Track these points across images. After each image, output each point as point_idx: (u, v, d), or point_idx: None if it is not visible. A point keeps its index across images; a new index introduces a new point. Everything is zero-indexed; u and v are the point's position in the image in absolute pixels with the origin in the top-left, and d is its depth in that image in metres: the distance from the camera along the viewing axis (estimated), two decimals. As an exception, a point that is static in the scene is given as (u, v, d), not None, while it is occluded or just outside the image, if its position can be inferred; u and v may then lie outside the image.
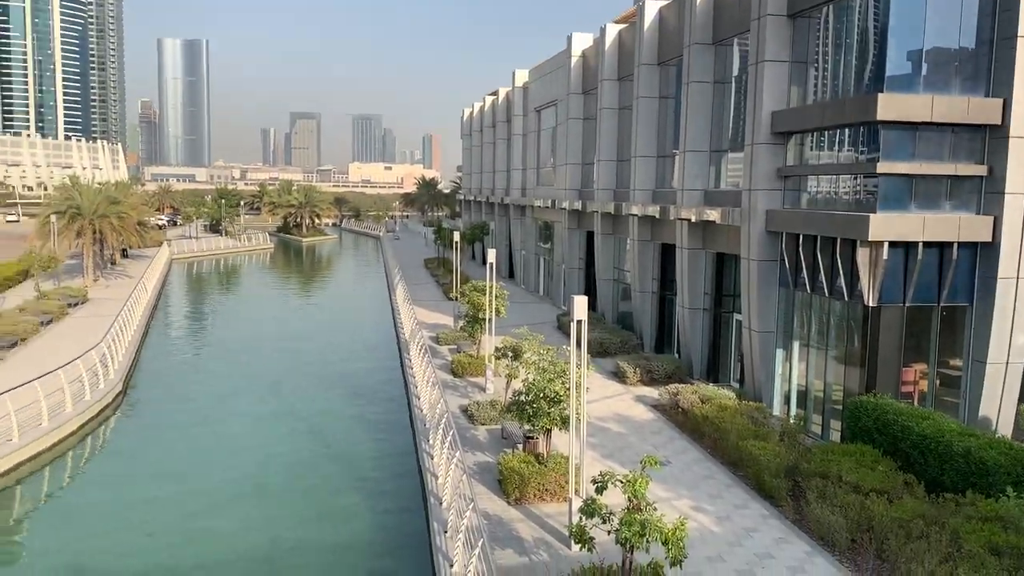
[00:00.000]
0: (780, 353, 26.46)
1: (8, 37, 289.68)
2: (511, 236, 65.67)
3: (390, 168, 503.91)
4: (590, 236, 45.96)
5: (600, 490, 13.30)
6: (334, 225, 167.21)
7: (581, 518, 13.29)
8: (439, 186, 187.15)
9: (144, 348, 41.47)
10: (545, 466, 19.10)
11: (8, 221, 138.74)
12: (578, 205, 45.40)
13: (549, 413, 19.02)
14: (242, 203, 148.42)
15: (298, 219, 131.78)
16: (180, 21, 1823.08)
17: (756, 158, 25.93)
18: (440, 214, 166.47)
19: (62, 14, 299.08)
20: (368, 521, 21.18)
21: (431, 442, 22.55)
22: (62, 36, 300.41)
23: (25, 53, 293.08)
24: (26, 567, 18.58)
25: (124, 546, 19.39)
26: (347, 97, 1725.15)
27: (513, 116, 63.08)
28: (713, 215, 28.77)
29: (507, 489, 18.96)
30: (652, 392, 29.16)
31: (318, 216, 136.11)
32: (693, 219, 30.24)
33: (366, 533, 20.53)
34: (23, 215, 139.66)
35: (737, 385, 29.36)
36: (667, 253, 35.66)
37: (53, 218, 57.83)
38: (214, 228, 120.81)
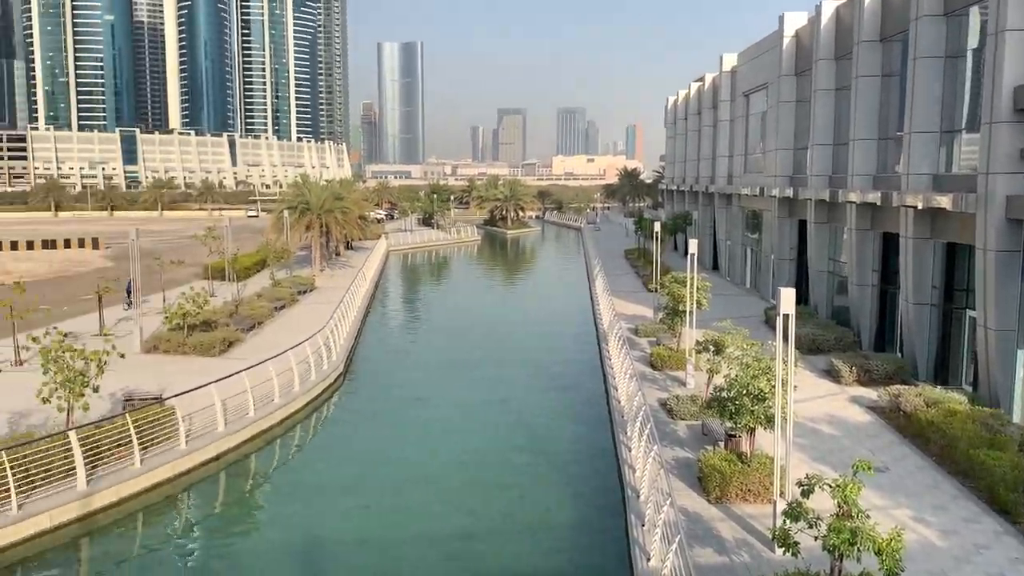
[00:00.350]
0: (1021, 354, 23.74)
1: (250, 49, 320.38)
2: (715, 226, 63.76)
3: (592, 160, 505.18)
4: (802, 225, 43.65)
5: (806, 493, 12.56)
6: (537, 218, 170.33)
7: (785, 521, 12.61)
8: (641, 176, 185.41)
9: (363, 333, 44.32)
10: (748, 466, 18.35)
11: (249, 216, 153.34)
12: (789, 192, 43.21)
13: (753, 411, 18.23)
14: (452, 198, 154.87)
15: (503, 212, 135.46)
16: (397, 24, 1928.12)
17: (995, 138, 23.38)
18: (642, 205, 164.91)
19: (295, 25, 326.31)
20: (566, 507, 21.38)
21: (629, 434, 22.38)
22: (295, 45, 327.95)
23: (264, 63, 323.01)
24: (260, 531, 20.46)
25: (343, 517, 20.83)
26: (552, 92, 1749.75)
27: (720, 102, 61.13)
28: (943, 201, 26.29)
29: (707, 487, 18.41)
30: (869, 393, 27.20)
31: (522, 209, 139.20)
32: (920, 206, 27.79)
33: (564, 518, 20.72)
34: (261, 211, 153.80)
35: (969, 388, 26.70)
36: (889, 243, 33.09)
37: (286, 213, 63.29)
38: (427, 222, 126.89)
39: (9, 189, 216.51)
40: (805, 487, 12.61)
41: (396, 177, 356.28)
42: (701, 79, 69.49)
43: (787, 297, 14.88)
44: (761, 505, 17.74)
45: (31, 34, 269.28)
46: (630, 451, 21.59)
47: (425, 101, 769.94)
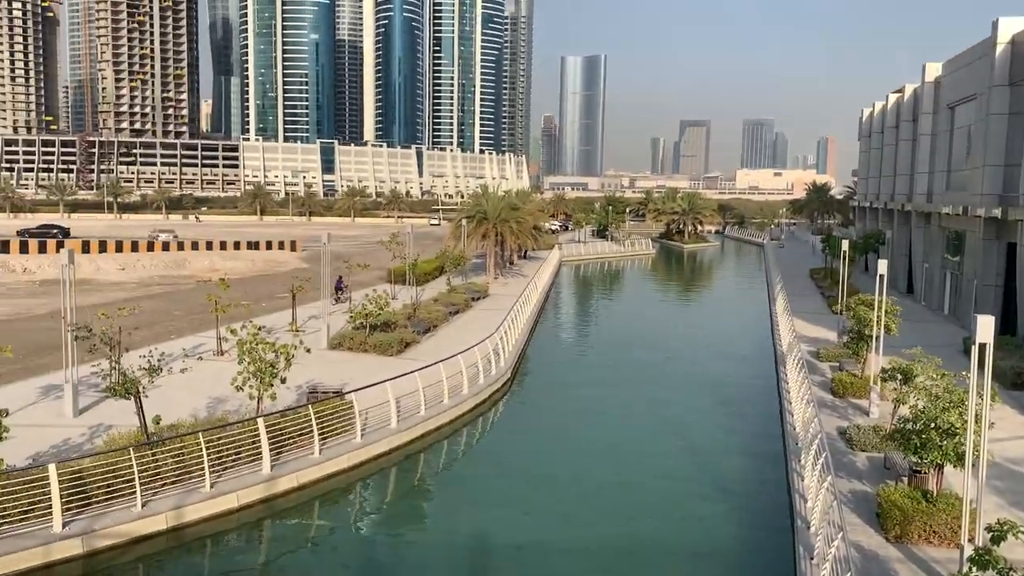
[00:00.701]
0: None
1: (440, 65, 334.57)
2: (911, 247, 59.45)
3: (779, 174, 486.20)
4: (1011, 248, 39.83)
5: (998, 540, 11.39)
6: (717, 232, 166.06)
7: (972, 569, 11.50)
8: (831, 192, 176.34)
9: (532, 341, 44.89)
10: (934, 505, 16.88)
11: (431, 224, 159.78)
12: (997, 212, 39.54)
13: (941, 446, 16.76)
14: (628, 210, 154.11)
15: (680, 226, 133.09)
16: (582, 39, 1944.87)
17: None
18: (831, 222, 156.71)
19: (483, 42, 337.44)
20: (730, 531, 20.59)
21: (802, 462, 21.26)
22: (482, 61, 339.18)
23: (452, 78, 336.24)
24: (424, 528, 21.16)
25: (504, 520, 21.13)
26: (738, 103, 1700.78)
27: (920, 114, 57.05)
28: None
29: (885, 524, 17.11)
30: (1084, 436, 24.32)
31: (700, 223, 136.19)
32: None
33: (727, 543, 19.97)
34: (443, 219, 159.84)
35: None
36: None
37: (464, 222, 65.39)
38: (601, 233, 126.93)
39: (222, 194, 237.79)
40: (996, 533, 11.45)
41: (573, 189, 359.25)
42: (900, 90, 65.15)
43: (985, 324, 13.60)
44: (946, 549, 16.27)
45: (247, 53, 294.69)
46: (802, 479, 20.49)
47: (606, 113, 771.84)
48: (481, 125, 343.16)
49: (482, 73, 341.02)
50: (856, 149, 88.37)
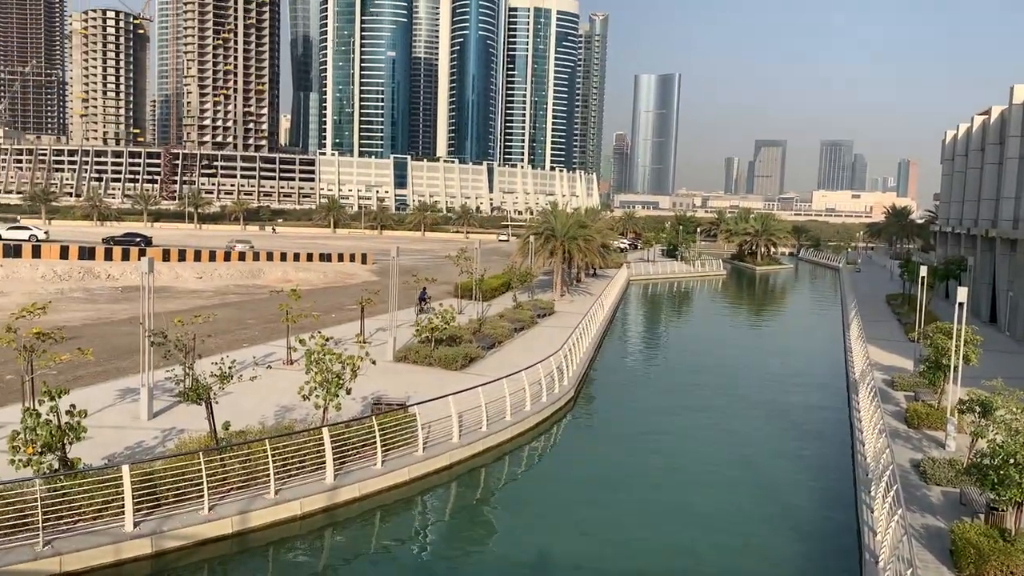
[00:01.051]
0: None
1: (513, 83, 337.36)
2: (995, 274, 57.18)
3: (858, 196, 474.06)
4: (1103, 278, 37.93)
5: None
6: (790, 254, 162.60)
7: (1051, 617, 10.92)
8: (912, 216, 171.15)
9: (597, 360, 44.62)
10: (1012, 544, 16.12)
11: (500, 240, 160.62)
12: (1088, 240, 37.74)
13: (1020, 483, 16.01)
14: (699, 230, 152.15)
15: (753, 247, 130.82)
16: (656, 57, 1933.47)
17: None
18: (910, 246, 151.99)
19: (556, 60, 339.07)
20: (794, 562, 20.02)
21: (872, 494, 20.58)
22: (555, 79, 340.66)
23: (525, 96, 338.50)
24: (483, 544, 21.18)
25: (562, 541, 20.97)
26: (816, 123, 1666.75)
27: (1008, 137, 54.99)
28: None
29: (959, 563, 16.40)
30: None
31: (774, 244, 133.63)
32: None
33: (791, 574, 19.44)
34: (512, 235, 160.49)
35: None
36: None
37: (531, 238, 65.53)
38: (670, 253, 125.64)
39: (298, 207, 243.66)
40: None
41: (643, 207, 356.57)
42: (986, 112, 62.95)
43: (1070, 358, 12.94)
44: (1026, 594, 15.49)
45: (326, 69, 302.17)
46: (872, 512, 19.82)
47: (679, 132, 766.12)
48: (552, 142, 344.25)
49: (555, 91, 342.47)
50: (939, 172, 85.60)
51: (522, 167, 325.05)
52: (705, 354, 51.35)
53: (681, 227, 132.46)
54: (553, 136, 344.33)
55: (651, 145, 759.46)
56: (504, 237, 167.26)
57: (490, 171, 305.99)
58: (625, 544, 20.90)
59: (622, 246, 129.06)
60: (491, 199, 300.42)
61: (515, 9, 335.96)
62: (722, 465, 27.66)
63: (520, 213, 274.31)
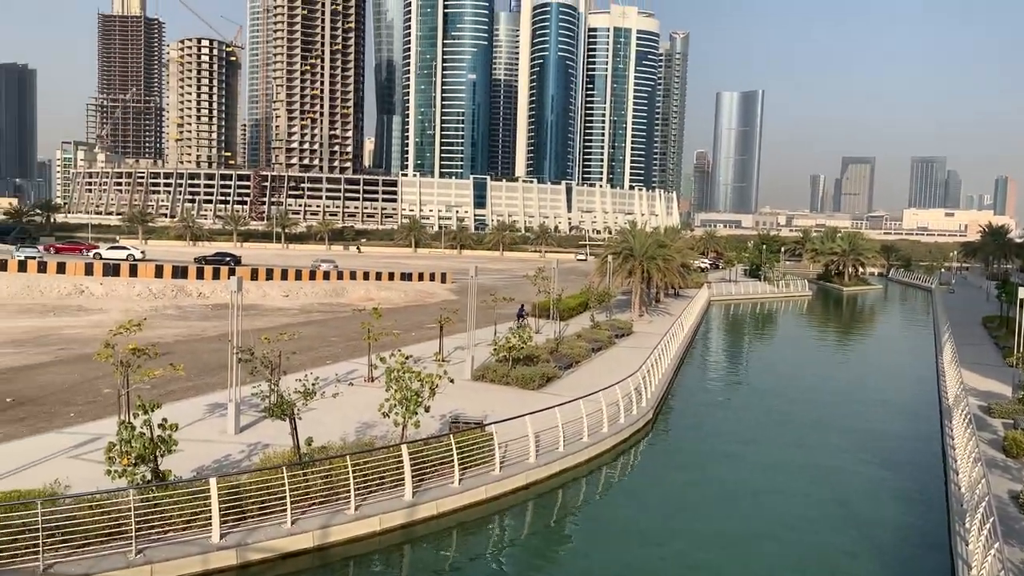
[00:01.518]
0: None
1: (592, 103, 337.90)
2: (1103, 296, 53.99)
3: (951, 214, 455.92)
4: None
5: None
6: (880, 275, 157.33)
7: None
8: (1010, 235, 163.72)
9: (676, 382, 43.95)
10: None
11: (577, 259, 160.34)
12: None
13: None
14: (783, 249, 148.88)
15: (840, 267, 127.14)
16: (738, 74, 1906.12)
17: None
18: (1008, 266, 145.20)
19: (636, 79, 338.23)
20: (883, 599, 19.25)
21: (967, 526, 19.64)
22: (634, 98, 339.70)
23: (604, 115, 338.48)
24: (560, 566, 21.07)
25: (639, 565, 20.67)
26: (906, 139, 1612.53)
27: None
28: None
29: (1064, 603, 15.49)
30: None
31: (862, 264, 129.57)
32: None
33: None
34: (590, 255, 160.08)
35: None
36: None
37: (609, 258, 65.23)
38: (753, 273, 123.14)
39: (380, 227, 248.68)
40: None
41: (725, 226, 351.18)
42: (1091, 124, 59.83)
43: None
44: None
45: (408, 93, 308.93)
46: (967, 545, 18.91)
47: (762, 149, 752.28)
48: (632, 161, 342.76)
49: (634, 110, 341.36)
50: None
51: (601, 186, 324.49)
52: (789, 377, 50.03)
53: (764, 246, 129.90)
54: (632, 155, 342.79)
55: (733, 163, 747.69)
56: (582, 256, 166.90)
57: (568, 190, 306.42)
58: (705, 571, 20.47)
59: (703, 266, 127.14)
60: (569, 218, 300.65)
61: (595, 29, 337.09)
62: (806, 494, 26.84)
63: (598, 232, 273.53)
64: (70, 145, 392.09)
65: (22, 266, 71.04)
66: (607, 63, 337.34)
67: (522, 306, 53.19)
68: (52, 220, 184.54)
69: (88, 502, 18.08)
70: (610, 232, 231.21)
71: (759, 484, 27.58)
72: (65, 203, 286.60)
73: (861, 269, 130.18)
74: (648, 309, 67.75)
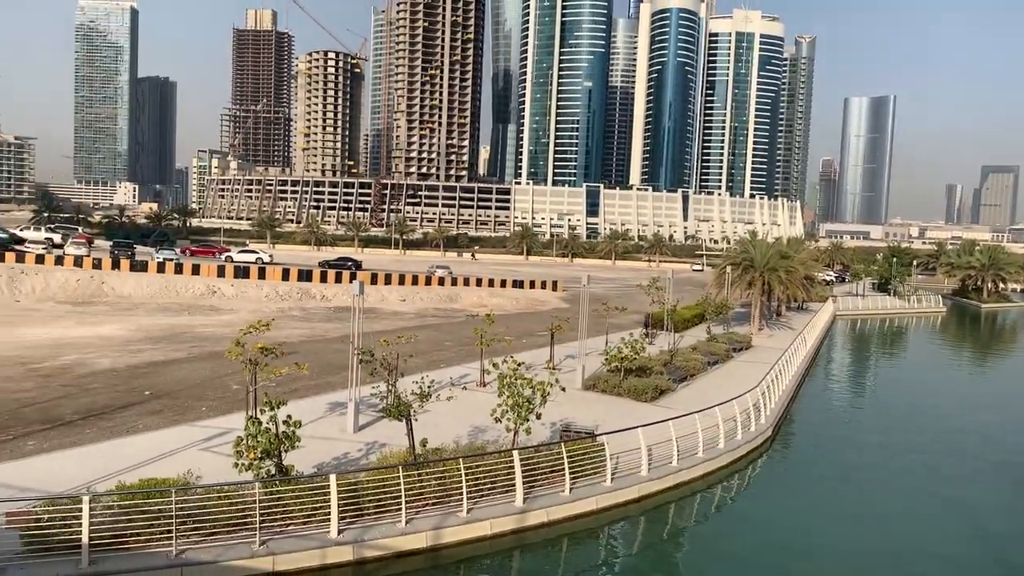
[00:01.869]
0: None
1: (712, 109, 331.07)
2: None
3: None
4: None
5: None
6: (1023, 291, 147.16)
7: None
8: None
9: (797, 399, 42.35)
10: None
11: (694, 270, 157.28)
12: None
13: None
14: (915, 262, 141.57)
15: (978, 282, 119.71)
16: (868, 79, 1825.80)
17: None
18: None
19: (758, 84, 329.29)
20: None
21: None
22: (757, 103, 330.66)
23: (724, 121, 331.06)
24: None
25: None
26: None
27: None
28: None
29: None
30: None
31: (1003, 280, 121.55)
32: None
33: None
34: (706, 265, 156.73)
35: None
36: None
37: (728, 269, 63.61)
38: (882, 287, 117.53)
39: (493, 234, 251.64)
40: None
41: (852, 237, 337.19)
42: None
43: None
44: None
45: (523, 101, 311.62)
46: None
47: (893, 157, 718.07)
48: (752, 169, 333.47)
49: (756, 116, 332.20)
50: None
51: (719, 195, 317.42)
52: (920, 399, 47.40)
53: (895, 259, 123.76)
54: (754, 162, 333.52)
55: (862, 171, 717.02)
56: (698, 267, 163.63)
57: (685, 199, 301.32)
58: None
59: (828, 279, 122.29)
60: (685, 227, 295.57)
61: (716, 34, 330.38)
62: (937, 522, 25.31)
63: (715, 242, 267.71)
64: (205, 153, 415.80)
65: (161, 267, 75.59)
66: (728, 68, 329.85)
67: (648, 315, 54.72)
68: (188, 224, 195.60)
69: (217, 493, 18.95)
70: (728, 242, 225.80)
71: (885, 510, 26.15)
72: (200, 208, 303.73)
73: (1002, 285, 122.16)
74: (768, 323, 65.66)
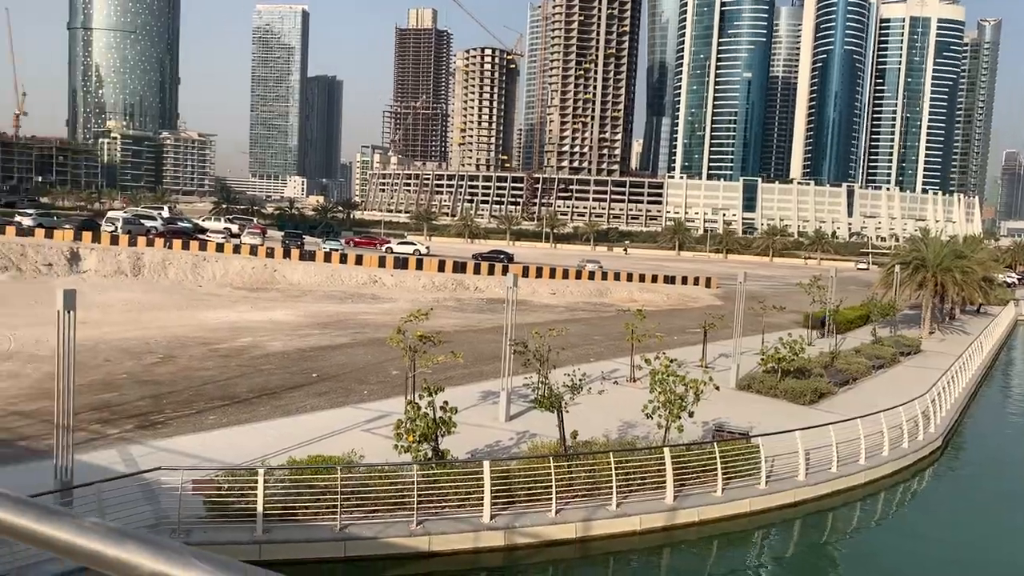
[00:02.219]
0: None
1: (882, 99, 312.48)
2: None
3: None
4: None
5: None
6: None
7: None
8: None
9: (971, 409, 39.54)
10: None
11: (858, 268, 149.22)
12: None
13: None
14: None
15: None
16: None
17: None
18: None
19: (934, 72, 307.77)
20: None
21: None
22: (932, 92, 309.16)
23: (895, 112, 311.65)
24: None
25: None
26: None
27: None
28: None
29: None
30: None
31: None
32: None
33: None
34: (872, 264, 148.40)
35: None
36: None
37: (897, 268, 60.04)
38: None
39: (644, 229, 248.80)
40: None
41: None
42: None
43: None
44: None
45: (679, 94, 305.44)
46: None
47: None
48: (925, 162, 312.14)
49: (931, 106, 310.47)
50: None
51: (888, 190, 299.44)
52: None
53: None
54: (927, 155, 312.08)
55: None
56: (863, 265, 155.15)
57: (850, 193, 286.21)
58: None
59: (1009, 281, 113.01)
60: (849, 224, 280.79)
61: (887, 20, 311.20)
62: None
63: (883, 239, 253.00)
64: (368, 149, 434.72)
65: (327, 257, 79.87)
66: (900, 56, 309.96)
67: (810, 315, 53.01)
68: (351, 216, 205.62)
69: (378, 472, 19.98)
70: (897, 239, 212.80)
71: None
72: (362, 201, 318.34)
73: None
74: (940, 326, 61.53)
